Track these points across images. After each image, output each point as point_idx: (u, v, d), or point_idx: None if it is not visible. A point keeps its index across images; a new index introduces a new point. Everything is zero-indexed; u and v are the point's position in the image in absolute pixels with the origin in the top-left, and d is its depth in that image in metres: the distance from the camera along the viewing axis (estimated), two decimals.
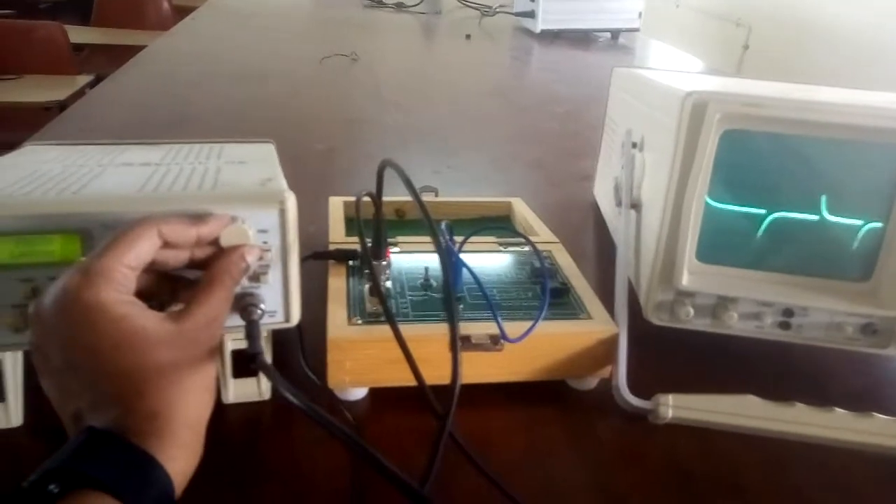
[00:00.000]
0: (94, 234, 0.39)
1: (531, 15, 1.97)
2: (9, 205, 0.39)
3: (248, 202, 0.41)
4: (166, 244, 0.36)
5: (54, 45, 2.24)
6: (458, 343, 0.37)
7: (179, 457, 0.31)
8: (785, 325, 0.49)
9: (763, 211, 0.48)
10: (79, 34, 2.62)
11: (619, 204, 0.58)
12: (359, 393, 0.49)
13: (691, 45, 2.23)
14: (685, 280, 0.47)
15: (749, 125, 0.45)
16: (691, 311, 0.48)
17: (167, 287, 0.38)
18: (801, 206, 0.48)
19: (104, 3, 2.94)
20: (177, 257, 0.37)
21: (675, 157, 0.47)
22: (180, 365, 0.33)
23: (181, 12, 2.60)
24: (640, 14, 1.95)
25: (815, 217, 0.48)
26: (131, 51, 1.56)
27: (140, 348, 0.32)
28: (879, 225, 0.48)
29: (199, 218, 0.38)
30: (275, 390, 0.47)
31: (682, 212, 0.46)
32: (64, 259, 0.39)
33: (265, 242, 0.42)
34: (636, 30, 2.00)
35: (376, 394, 0.49)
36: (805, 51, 2.19)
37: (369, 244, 0.51)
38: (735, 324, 0.49)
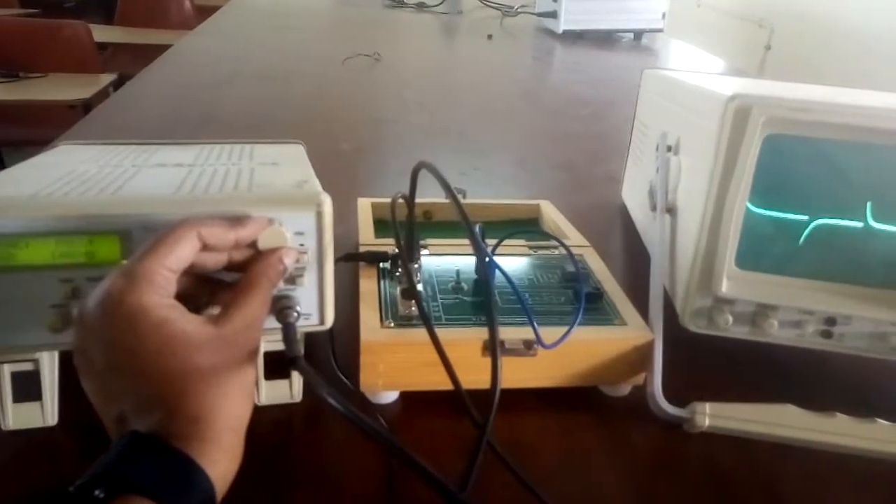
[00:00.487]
0: (134, 235, 0.39)
1: (553, 15, 1.96)
2: (49, 205, 0.39)
3: (286, 204, 0.41)
4: (205, 247, 0.36)
5: (79, 44, 2.27)
6: (499, 350, 0.36)
7: (221, 460, 0.31)
8: (827, 334, 0.48)
9: (805, 217, 0.47)
10: (102, 33, 2.65)
11: (653, 208, 0.57)
12: (390, 396, 0.49)
13: (712, 46, 2.20)
14: (724, 287, 0.47)
15: (793, 130, 0.44)
16: (730, 318, 0.48)
17: (205, 289, 0.38)
18: (844, 212, 0.47)
19: (127, 3, 2.97)
20: (215, 260, 0.37)
21: (715, 162, 0.46)
22: (221, 368, 0.33)
23: (203, 12, 2.62)
24: (663, 14, 1.93)
25: (859, 224, 0.47)
26: (154, 50, 1.57)
27: (182, 352, 0.32)
28: None
29: (238, 221, 0.38)
30: (312, 393, 0.47)
31: (723, 217, 0.46)
32: (103, 260, 0.39)
33: (301, 245, 0.42)
34: (660, 30, 1.98)
35: (407, 397, 0.49)
36: (828, 52, 2.16)
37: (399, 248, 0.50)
38: (775, 332, 0.48)
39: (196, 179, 0.46)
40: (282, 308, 0.41)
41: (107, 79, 2.20)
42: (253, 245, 0.39)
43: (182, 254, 0.34)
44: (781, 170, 0.46)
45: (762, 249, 0.47)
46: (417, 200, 0.49)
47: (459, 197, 0.74)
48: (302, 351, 0.46)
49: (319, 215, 0.41)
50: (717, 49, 2.15)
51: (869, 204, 0.47)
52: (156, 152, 0.57)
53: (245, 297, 0.36)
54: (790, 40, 2.38)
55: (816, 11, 2.26)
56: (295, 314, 0.41)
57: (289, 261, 0.40)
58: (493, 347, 0.37)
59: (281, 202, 0.41)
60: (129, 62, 2.41)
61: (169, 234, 0.34)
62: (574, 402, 0.49)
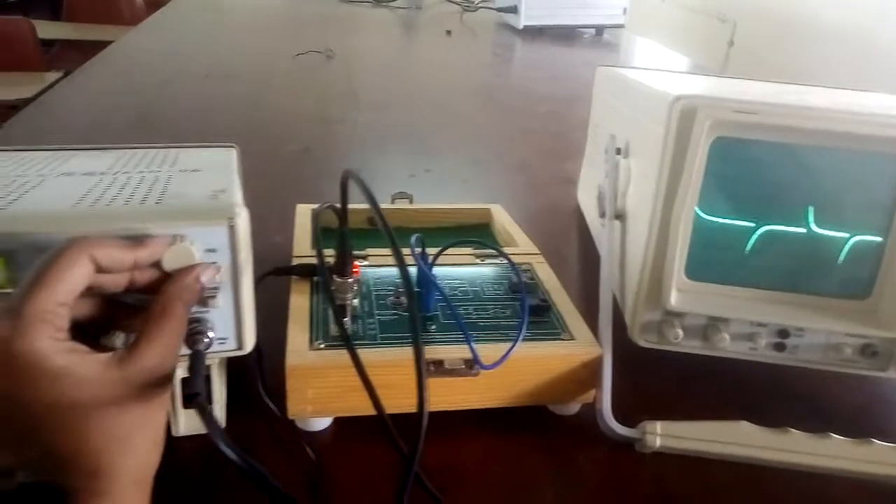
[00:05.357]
0: (21, 257, 0.35)
1: (514, 10, 1.94)
2: None
3: (194, 218, 0.37)
4: (100, 269, 0.32)
5: (21, 40, 2.17)
6: (425, 377, 0.33)
7: None
8: (780, 347, 0.46)
9: (752, 224, 0.45)
10: (48, 29, 2.54)
11: (602, 214, 0.54)
12: (322, 423, 0.45)
13: (676, 42, 2.21)
14: (674, 300, 0.44)
15: (742, 132, 0.42)
16: (680, 332, 0.45)
17: (104, 311, 0.34)
18: (788, 218, 0.45)
19: None
20: (114, 281, 0.33)
21: (662, 166, 0.43)
22: (127, 418, 0.29)
23: (155, 7, 2.53)
24: (624, 10, 1.92)
25: (802, 230, 0.45)
26: (103, 46, 1.50)
27: (82, 406, 0.28)
28: (878, 239, 0.45)
29: (136, 241, 0.34)
30: (237, 418, 0.44)
31: (671, 225, 0.43)
32: None
33: (214, 263, 0.38)
34: (621, 26, 1.97)
35: (342, 422, 0.45)
36: (790, 47, 2.18)
37: (333, 259, 0.47)
38: (727, 346, 0.45)
39: (103, 191, 0.42)
40: (192, 332, 0.37)
41: (52, 77, 2.11)
42: (157, 265, 0.35)
43: (74, 282, 0.30)
44: (729, 174, 0.43)
45: (713, 259, 0.45)
46: (360, 206, 0.46)
47: (405, 202, 0.71)
48: (217, 375, 0.43)
49: (233, 229, 0.37)
50: (681, 45, 2.16)
51: (811, 209, 0.45)
52: (69, 159, 0.52)
53: (157, 328, 0.32)
54: (753, 35, 2.39)
55: (778, 5, 2.28)
56: (206, 340, 0.37)
57: (206, 279, 0.36)
58: (418, 371, 0.33)
59: (188, 216, 0.37)
60: (77, 59, 2.30)
61: (57, 261, 0.30)
62: (520, 422, 0.46)
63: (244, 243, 0.38)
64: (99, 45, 1.76)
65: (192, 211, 0.38)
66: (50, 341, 0.28)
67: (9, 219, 0.36)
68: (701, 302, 0.44)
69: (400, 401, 0.38)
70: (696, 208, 0.43)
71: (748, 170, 0.43)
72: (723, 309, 0.44)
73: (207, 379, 0.41)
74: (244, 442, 0.43)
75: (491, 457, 0.44)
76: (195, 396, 0.30)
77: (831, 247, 0.45)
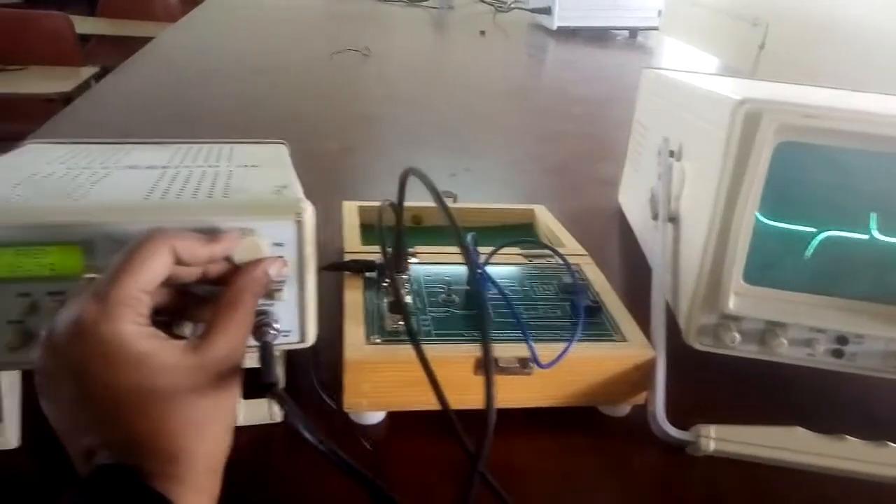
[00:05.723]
0: (97, 246, 0.36)
1: (547, 11, 1.93)
2: (6, 213, 0.36)
3: (263, 213, 0.38)
4: (178, 261, 0.33)
5: (60, 35, 2.21)
6: (493, 371, 0.33)
7: (199, 503, 0.29)
8: (838, 353, 0.46)
9: (812, 229, 0.45)
10: (85, 25, 2.59)
11: (655, 217, 0.54)
12: (376, 416, 0.46)
13: (706, 44, 2.18)
14: (732, 304, 0.44)
15: (806, 137, 0.42)
16: (737, 336, 0.45)
17: (177, 301, 0.35)
18: (850, 224, 0.45)
19: None
20: (189, 273, 0.35)
21: (723, 170, 0.43)
22: (203, 404, 0.30)
23: (188, 3, 2.56)
24: (659, 12, 1.91)
25: (864, 236, 0.45)
26: (137, 42, 1.53)
27: (162, 390, 0.29)
28: None
29: (212, 236, 0.35)
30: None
31: (731, 229, 0.43)
32: (64, 273, 0.36)
33: (281, 257, 0.39)
34: (655, 28, 1.96)
35: (394, 416, 0.46)
36: (821, 51, 2.15)
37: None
38: (785, 351, 0.45)
39: (169, 184, 0.43)
40: (259, 325, 0.38)
41: (88, 72, 2.15)
42: (227, 257, 0.36)
43: (157, 272, 0.31)
44: (791, 178, 0.43)
45: (771, 263, 0.45)
46: (406, 204, 0.46)
47: (449, 201, 0.72)
48: (280, 373, 0.44)
49: (300, 224, 0.38)
50: (712, 47, 2.14)
51: (874, 215, 0.44)
52: (129, 153, 0.53)
53: (228, 319, 0.33)
54: (784, 39, 2.36)
55: (810, 10, 2.25)
56: (273, 332, 0.38)
57: (274, 272, 0.37)
58: (487, 373, 0.34)
59: (258, 211, 0.38)
60: (111, 54, 2.35)
61: (141, 249, 0.31)
62: (571, 422, 0.47)
63: (309, 238, 0.39)
64: (133, 41, 1.80)
65: (261, 206, 0.39)
66: (133, 325, 0.30)
67: (85, 210, 0.37)
68: (759, 306, 0.44)
69: (455, 397, 0.38)
70: (757, 213, 0.43)
71: (810, 175, 0.43)
72: (782, 314, 0.44)
73: None
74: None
75: (544, 455, 0.45)
76: (272, 386, 0.31)
77: (893, 254, 0.44)
